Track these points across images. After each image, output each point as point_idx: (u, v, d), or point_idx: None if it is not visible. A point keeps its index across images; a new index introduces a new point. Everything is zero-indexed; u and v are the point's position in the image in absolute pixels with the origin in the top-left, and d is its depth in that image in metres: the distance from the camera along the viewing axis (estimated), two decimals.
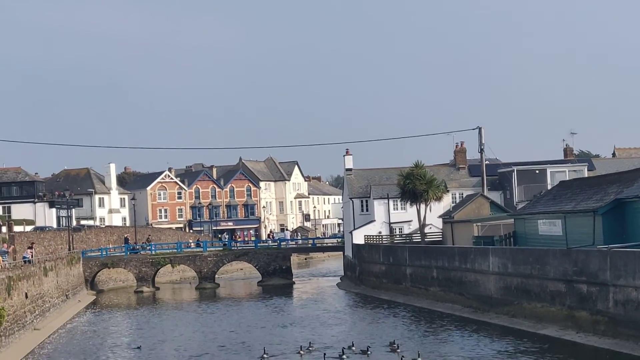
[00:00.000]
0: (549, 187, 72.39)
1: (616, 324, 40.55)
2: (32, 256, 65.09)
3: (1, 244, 68.49)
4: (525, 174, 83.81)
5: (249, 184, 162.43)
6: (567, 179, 70.63)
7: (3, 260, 57.76)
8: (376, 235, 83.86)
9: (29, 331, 55.11)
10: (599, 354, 39.12)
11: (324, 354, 40.73)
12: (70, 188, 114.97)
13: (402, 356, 39.27)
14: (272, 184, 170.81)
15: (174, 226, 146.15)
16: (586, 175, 76.43)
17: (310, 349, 43.95)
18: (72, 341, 54.46)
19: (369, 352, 41.91)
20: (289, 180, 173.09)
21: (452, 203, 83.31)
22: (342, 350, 41.67)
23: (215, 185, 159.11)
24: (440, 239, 76.99)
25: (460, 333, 48.53)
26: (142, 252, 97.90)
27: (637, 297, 39.07)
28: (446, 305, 60.09)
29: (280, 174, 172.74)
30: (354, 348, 43.06)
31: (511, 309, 51.51)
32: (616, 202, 47.66)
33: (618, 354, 38.13)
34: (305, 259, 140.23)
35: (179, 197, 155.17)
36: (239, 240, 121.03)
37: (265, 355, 42.21)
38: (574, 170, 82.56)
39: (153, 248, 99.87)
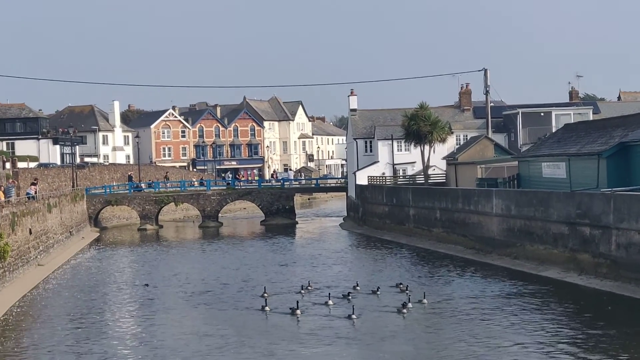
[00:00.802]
0: (554, 130, 72.13)
1: (618, 266, 40.68)
2: (35, 192, 65.10)
3: (6, 180, 68.47)
4: (530, 116, 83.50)
5: (253, 124, 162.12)
6: (572, 122, 70.34)
7: (8, 197, 57.72)
8: (380, 176, 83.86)
9: (33, 267, 55.42)
10: (600, 296, 39.25)
11: (329, 294, 40.61)
12: (74, 125, 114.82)
13: (409, 297, 39.22)
14: (276, 123, 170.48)
15: (177, 165, 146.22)
16: (591, 119, 76.15)
17: (309, 288, 44.01)
18: (77, 277, 54.79)
19: (378, 293, 41.90)
20: (293, 120, 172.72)
21: (456, 145, 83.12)
22: (348, 292, 41.56)
23: (219, 124, 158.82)
24: (444, 180, 77.00)
25: (462, 274, 48.67)
26: (145, 190, 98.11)
27: (639, 241, 39.12)
28: (449, 246, 60.24)
29: (284, 114, 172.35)
30: (358, 288, 43.10)
31: (514, 251, 51.64)
32: (621, 146, 47.54)
33: (619, 297, 38.27)
34: (309, 199, 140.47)
35: (183, 136, 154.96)
36: (242, 179, 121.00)
37: (265, 294, 42.25)
38: (579, 114, 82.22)
39: (160, 186, 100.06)
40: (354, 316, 35.61)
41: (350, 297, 40.55)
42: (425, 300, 39.00)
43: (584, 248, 44.13)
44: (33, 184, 68.34)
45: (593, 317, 34.97)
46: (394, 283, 45.01)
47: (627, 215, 40.18)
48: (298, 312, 37.03)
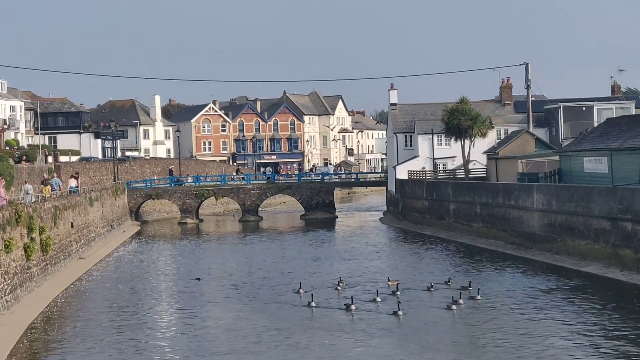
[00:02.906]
0: (596, 124, 71.56)
1: None
2: (76, 186, 65.49)
3: (48, 173, 69.08)
4: (571, 110, 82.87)
5: (293, 118, 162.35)
6: (614, 116, 69.73)
7: (53, 191, 58.29)
8: (420, 171, 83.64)
9: (74, 260, 55.92)
10: None
11: (377, 290, 39.96)
12: (115, 119, 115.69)
13: (461, 293, 38.72)
14: (315, 118, 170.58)
15: (217, 159, 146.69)
16: (633, 113, 75.44)
17: (339, 287, 43.16)
18: (119, 269, 55.27)
19: (432, 289, 41.27)
20: (333, 114, 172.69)
21: (497, 139, 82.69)
22: (397, 285, 41.23)
23: (259, 119, 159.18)
24: (484, 175, 76.66)
25: (503, 270, 48.47)
26: (185, 184, 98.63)
27: None
28: (489, 241, 60.00)
29: (324, 108, 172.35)
30: (398, 291, 41.19)
31: (554, 246, 51.33)
32: None
33: None
34: (349, 193, 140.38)
35: (223, 130, 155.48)
36: (282, 173, 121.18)
37: (301, 290, 42.14)
38: (621, 108, 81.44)
39: (200, 180, 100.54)
40: (400, 312, 35.39)
41: (398, 293, 40.01)
42: (479, 297, 38.64)
43: (625, 243, 43.78)
44: (74, 177, 68.65)
45: (635, 312, 34.68)
46: (438, 279, 44.56)
47: None
48: (353, 307, 36.77)
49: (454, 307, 36.35)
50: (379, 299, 38.54)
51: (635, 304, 36.39)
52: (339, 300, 39.49)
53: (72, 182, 65.00)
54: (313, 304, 38.08)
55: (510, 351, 29.04)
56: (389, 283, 43.08)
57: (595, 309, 35.74)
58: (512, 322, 33.79)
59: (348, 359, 29.33)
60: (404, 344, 31.11)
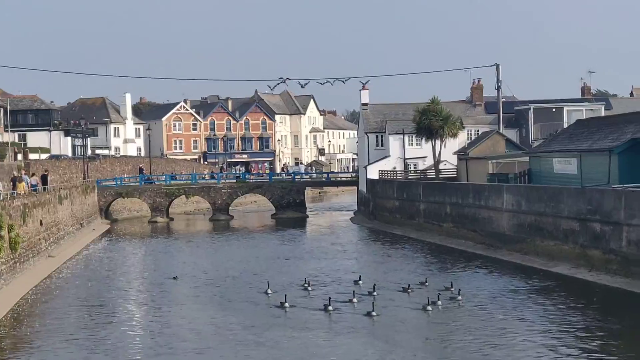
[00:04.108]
0: (566, 126, 72.03)
1: (629, 263, 40.62)
2: (37, 183, 64.07)
3: (17, 171, 68.57)
4: (541, 112, 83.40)
5: (265, 117, 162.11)
6: (584, 117, 70.22)
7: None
8: (391, 171, 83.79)
9: (43, 258, 55.57)
10: (610, 292, 39.24)
11: (353, 292, 39.65)
12: (86, 117, 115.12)
13: (439, 294, 38.55)
14: (287, 117, 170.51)
15: (188, 157, 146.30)
16: (603, 115, 75.98)
17: (306, 285, 43.04)
18: (88, 267, 55.07)
19: (409, 290, 41.00)
20: (304, 114, 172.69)
21: (468, 140, 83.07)
22: (373, 287, 40.97)
23: (230, 118, 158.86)
24: (455, 175, 76.93)
25: (472, 270, 48.66)
26: (156, 183, 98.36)
27: None
28: (459, 241, 60.20)
29: (295, 108, 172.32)
30: (376, 293, 40.52)
31: (524, 247, 51.58)
32: (632, 142, 47.51)
33: (630, 293, 38.25)
34: (320, 193, 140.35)
35: (194, 129, 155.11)
36: (253, 172, 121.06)
37: (269, 291, 41.94)
38: (591, 109, 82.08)
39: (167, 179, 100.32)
40: (374, 313, 35.34)
41: (375, 294, 39.77)
42: (460, 298, 38.49)
43: (594, 244, 44.07)
44: (34, 174, 67.71)
45: (603, 312, 34.98)
46: (412, 279, 44.39)
47: (638, 212, 40.13)
48: (330, 308, 36.66)
49: (429, 307, 36.33)
50: (355, 300, 38.37)
51: (607, 305, 36.67)
52: (311, 300, 39.44)
53: (33, 180, 64.07)
54: (286, 304, 37.96)
55: (479, 350, 29.16)
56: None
57: (563, 309, 35.96)
58: (482, 321, 33.93)
59: (313, 355, 29.35)
60: (372, 341, 31.22)
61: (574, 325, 32.60)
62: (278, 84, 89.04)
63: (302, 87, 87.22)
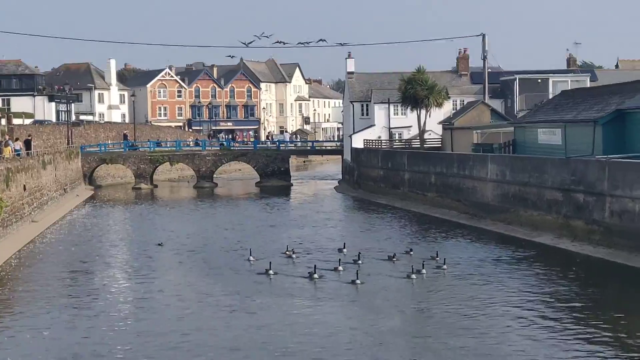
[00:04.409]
0: (551, 97, 72.11)
1: (611, 234, 40.80)
2: (20, 148, 63.80)
3: (2, 136, 68.21)
4: (527, 82, 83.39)
5: (250, 85, 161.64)
6: (569, 89, 70.29)
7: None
8: (375, 140, 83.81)
9: (27, 223, 55.43)
10: (592, 262, 39.44)
11: (339, 260, 39.52)
12: (70, 82, 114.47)
13: (423, 263, 38.52)
14: (272, 85, 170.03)
15: (173, 124, 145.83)
16: (588, 86, 76.08)
17: (287, 252, 43.03)
18: (72, 232, 55.00)
19: (394, 259, 40.91)
20: (289, 82, 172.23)
21: (453, 110, 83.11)
22: (358, 255, 40.87)
23: (215, 85, 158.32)
24: (440, 145, 77.02)
25: (456, 239, 48.77)
26: (140, 149, 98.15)
27: (633, 208, 39.26)
28: (443, 211, 60.30)
29: (281, 76, 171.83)
30: (360, 261, 40.32)
31: (507, 217, 51.73)
32: (617, 113, 47.61)
33: (612, 264, 38.44)
34: (304, 161, 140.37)
35: (179, 96, 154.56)
36: (238, 140, 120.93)
37: (251, 258, 41.83)
38: (576, 81, 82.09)
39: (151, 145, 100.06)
40: (358, 281, 35.33)
41: (360, 262, 39.71)
42: (445, 267, 38.51)
43: (577, 215, 44.24)
44: (17, 139, 67.31)
45: (584, 282, 35.17)
46: (397, 248, 44.29)
47: (622, 183, 40.27)
48: (315, 276, 36.57)
49: (413, 276, 36.35)
50: (340, 268, 38.25)
51: (589, 274, 36.89)
52: (295, 268, 39.48)
53: (16, 145, 63.72)
54: (271, 271, 37.93)
55: (461, 318, 29.28)
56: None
57: (545, 279, 36.10)
58: (465, 290, 34.03)
59: (296, 321, 29.45)
60: (355, 308, 31.34)
61: (555, 294, 32.76)
62: (252, 41, 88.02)
63: (283, 44, 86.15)
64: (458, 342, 26.13)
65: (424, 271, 37.02)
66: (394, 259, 40.86)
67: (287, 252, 43.15)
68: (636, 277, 35.76)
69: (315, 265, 37.79)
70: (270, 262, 38.83)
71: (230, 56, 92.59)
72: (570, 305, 30.98)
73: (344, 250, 43.50)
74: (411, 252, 42.56)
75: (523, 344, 25.77)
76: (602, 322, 28.31)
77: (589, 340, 26.13)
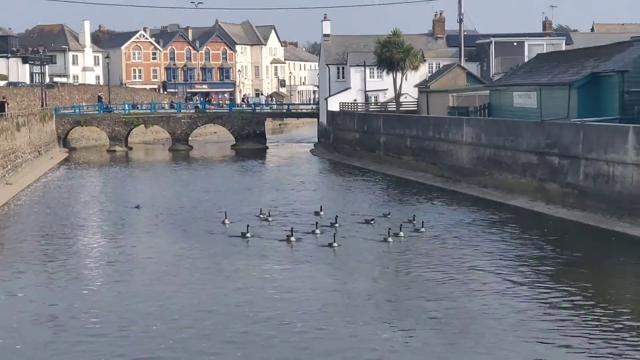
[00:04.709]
0: (526, 60, 72.23)
1: (585, 196, 41.04)
2: None
3: None
4: (503, 46, 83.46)
5: (225, 47, 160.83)
6: (545, 52, 70.39)
7: None
8: (351, 103, 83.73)
9: (1, 185, 55.18)
10: (566, 225, 39.72)
11: (316, 223, 39.48)
12: (44, 44, 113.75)
13: (401, 225, 38.61)
14: (248, 47, 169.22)
15: (147, 87, 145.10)
16: (564, 49, 76.22)
17: (262, 215, 43.02)
18: (47, 195, 54.82)
19: (372, 222, 40.76)
20: (265, 44, 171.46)
21: (429, 73, 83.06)
22: (335, 219, 40.66)
23: (190, 47, 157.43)
24: (415, 108, 77.05)
25: (431, 202, 48.94)
26: (115, 112, 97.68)
27: (607, 171, 39.48)
28: (418, 174, 60.43)
29: (256, 38, 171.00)
30: (337, 224, 40.24)
31: (482, 180, 51.92)
32: (592, 76, 47.79)
33: (585, 226, 38.71)
34: (280, 124, 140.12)
35: (154, 58, 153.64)
36: (213, 103, 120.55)
37: (226, 221, 41.74)
38: (552, 44, 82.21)
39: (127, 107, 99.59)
40: (335, 244, 35.30)
41: (337, 225, 39.58)
42: (423, 229, 38.47)
43: (552, 178, 44.45)
44: None
45: (558, 243, 35.38)
46: (373, 212, 44.27)
47: (596, 146, 40.46)
48: (292, 239, 36.52)
49: (390, 239, 36.41)
50: (318, 231, 38.21)
51: (562, 236, 37.19)
52: (272, 231, 39.45)
53: None
54: (248, 234, 37.88)
55: (436, 278, 29.49)
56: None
57: (519, 240, 36.33)
58: (440, 252, 34.24)
59: (271, 281, 29.62)
60: (331, 270, 31.50)
61: (529, 256, 33.00)
62: None
63: None
64: (432, 303, 26.34)
65: (401, 234, 37.11)
66: (372, 222, 40.91)
67: (262, 215, 43.13)
68: (609, 239, 36.07)
69: (292, 228, 37.80)
70: (247, 225, 38.77)
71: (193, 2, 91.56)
72: (543, 266, 31.21)
73: (321, 213, 43.50)
74: (389, 216, 42.61)
75: (496, 305, 26.01)
76: (575, 282, 28.59)
77: (562, 299, 26.41)
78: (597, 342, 22.27)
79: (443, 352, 21.96)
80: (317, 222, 39.64)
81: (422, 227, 38.80)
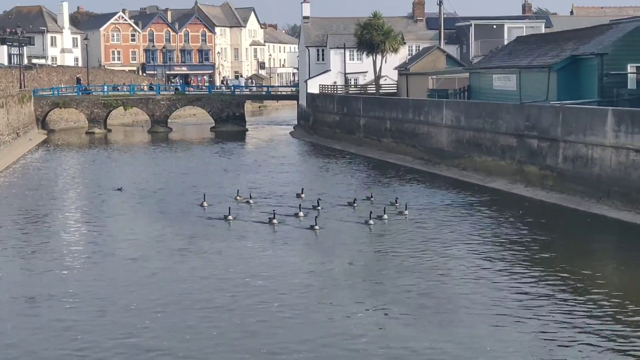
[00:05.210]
0: (506, 43, 72.32)
1: (564, 179, 41.23)
2: None
3: None
4: (482, 28, 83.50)
5: (204, 29, 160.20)
6: (524, 35, 70.52)
7: None
8: (331, 85, 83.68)
9: None
10: (545, 207, 39.90)
11: (299, 205, 39.36)
12: (22, 25, 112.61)
13: (384, 208, 38.62)
14: (227, 29, 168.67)
15: (126, 69, 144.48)
16: (543, 32, 76.37)
17: (238, 197, 42.92)
18: (26, 177, 54.65)
19: (355, 205, 40.63)
20: (244, 27, 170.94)
21: (409, 55, 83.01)
22: (317, 201, 40.51)
23: (169, 29, 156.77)
24: (395, 90, 77.10)
25: (411, 184, 49.03)
26: (94, 94, 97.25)
27: (586, 154, 39.67)
28: (398, 156, 60.49)
29: (236, 20, 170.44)
30: (319, 207, 40.09)
31: (462, 162, 52.03)
32: (571, 59, 47.92)
33: (564, 208, 38.90)
34: (260, 107, 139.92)
35: (133, 40, 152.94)
36: (192, 85, 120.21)
37: (205, 203, 41.59)
38: (531, 27, 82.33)
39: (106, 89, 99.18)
40: (317, 227, 35.19)
41: (319, 208, 39.40)
42: (406, 212, 38.33)
43: (531, 160, 44.61)
44: None
45: (536, 226, 35.55)
46: (352, 195, 44.05)
47: (575, 128, 40.63)
48: (274, 221, 36.45)
49: (371, 222, 36.39)
50: (301, 214, 38.09)
51: (540, 219, 37.36)
52: (253, 214, 39.32)
53: None
54: (230, 217, 37.74)
55: (414, 258, 29.65)
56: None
57: (498, 222, 36.47)
58: (420, 234, 34.34)
59: (248, 261, 29.73)
60: (312, 252, 31.61)
61: (507, 238, 33.13)
62: None
63: None
64: (409, 283, 26.52)
65: (385, 217, 37.12)
66: (354, 205, 40.91)
67: (238, 198, 43.03)
68: (587, 221, 36.27)
69: (274, 211, 37.74)
70: (229, 208, 38.72)
71: None
72: (520, 248, 31.38)
73: (302, 195, 43.43)
74: (372, 198, 42.60)
75: (471, 285, 26.20)
76: (551, 263, 28.83)
77: (538, 280, 26.59)
78: (572, 322, 22.44)
79: (415, 331, 22.09)
80: (300, 205, 39.56)
81: (406, 209, 38.81)
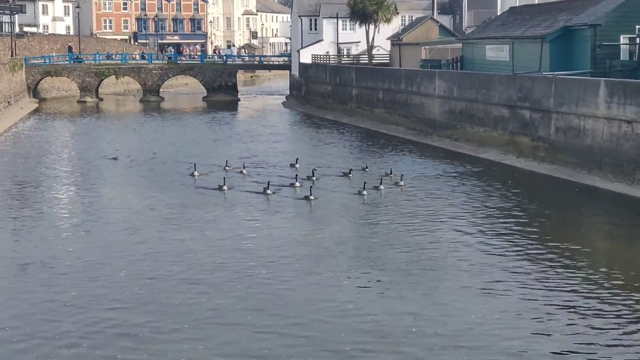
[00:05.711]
0: (499, 13, 72.13)
1: (556, 150, 41.31)
2: None
3: None
4: None
5: None
6: (518, 5, 70.32)
7: None
8: (324, 55, 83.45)
9: None
10: (536, 178, 40.04)
11: (296, 175, 39.27)
12: None
13: (381, 179, 38.62)
14: None
15: (118, 37, 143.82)
16: (536, 3, 76.15)
17: (226, 168, 42.80)
18: (18, 144, 54.59)
19: (350, 175, 40.75)
20: None
21: (402, 25, 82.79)
22: (312, 172, 40.42)
23: None
24: (388, 61, 76.94)
25: (404, 155, 49.05)
26: (85, 62, 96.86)
27: (578, 125, 39.72)
28: (390, 127, 60.47)
29: None
30: (314, 177, 40.03)
31: (454, 133, 52.05)
32: (564, 30, 47.88)
33: (555, 179, 39.04)
34: (252, 76, 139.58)
35: (125, 8, 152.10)
36: (185, 54, 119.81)
37: (195, 173, 41.50)
38: None
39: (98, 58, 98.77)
40: (311, 197, 35.12)
41: (314, 179, 39.40)
42: (402, 183, 38.38)
43: (523, 131, 44.66)
44: None
45: (528, 196, 35.68)
46: (343, 165, 44.22)
47: (567, 100, 40.66)
48: (269, 191, 36.42)
49: (364, 192, 36.39)
50: (297, 184, 38.03)
51: (532, 189, 37.45)
52: (247, 184, 39.19)
53: None
54: (225, 187, 37.64)
55: (406, 227, 29.74)
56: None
57: (489, 193, 36.58)
58: (411, 205, 34.39)
59: (239, 233, 29.70)
60: (303, 221, 31.73)
61: (498, 207, 33.26)
62: None
63: None
64: (398, 251, 26.69)
65: (382, 187, 37.16)
66: (350, 175, 40.86)
67: (227, 168, 42.95)
68: (578, 191, 36.39)
69: (269, 182, 37.73)
70: (224, 178, 38.69)
71: None
72: (511, 218, 31.47)
73: (296, 165, 43.37)
74: (367, 169, 42.59)
75: (461, 254, 26.35)
76: (540, 233, 28.98)
77: (526, 249, 26.74)
78: (558, 292, 22.58)
79: (401, 298, 22.22)
80: (296, 175, 39.51)
81: (401, 180, 38.81)
